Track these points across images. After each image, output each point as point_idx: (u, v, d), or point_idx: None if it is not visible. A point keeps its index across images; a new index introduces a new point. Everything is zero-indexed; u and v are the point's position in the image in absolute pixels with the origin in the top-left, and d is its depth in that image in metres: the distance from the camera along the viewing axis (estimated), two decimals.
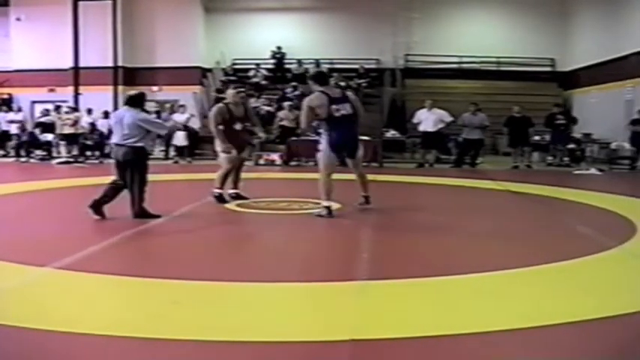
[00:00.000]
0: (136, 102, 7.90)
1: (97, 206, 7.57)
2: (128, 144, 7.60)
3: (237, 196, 9.43)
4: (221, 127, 9.15)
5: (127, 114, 7.70)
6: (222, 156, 9.21)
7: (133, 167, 7.65)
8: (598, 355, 3.55)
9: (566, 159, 18.13)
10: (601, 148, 19.11)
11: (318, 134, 8.34)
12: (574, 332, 3.82)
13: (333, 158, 8.21)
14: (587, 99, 21.91)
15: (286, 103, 20.16)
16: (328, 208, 8.06)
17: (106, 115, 20.08)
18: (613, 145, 18.19)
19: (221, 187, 9.23)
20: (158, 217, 7.74)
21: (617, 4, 20.04)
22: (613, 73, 19.81)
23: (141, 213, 7.68)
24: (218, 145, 9.23)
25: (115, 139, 7.83)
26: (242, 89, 9.96)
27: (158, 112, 20.19)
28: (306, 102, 8.13)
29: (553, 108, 18.73)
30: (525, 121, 17.54)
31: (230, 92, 9.64)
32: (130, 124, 7.58)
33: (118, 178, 7.74)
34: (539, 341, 3.66)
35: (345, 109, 8.11)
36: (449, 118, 17.30)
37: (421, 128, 17.32)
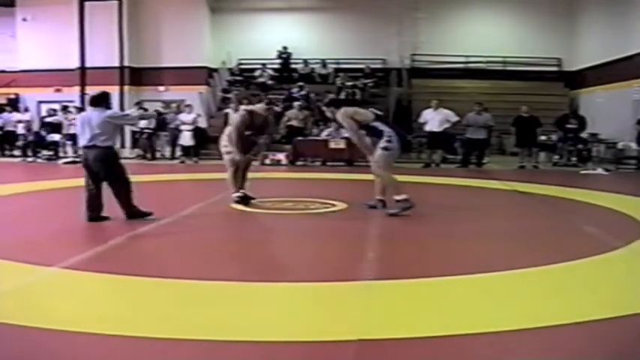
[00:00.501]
0: (100, 101, 7.71)
1: (94, 217, 7.50)
2: (97, 144, 7.42)
3: (244, 197, 9.41)
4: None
5: (93, 114, 7.56)
6: (226, 157, 9.20)
7: (108, 169, 7.51)
8: (605, 355, 3.54)
9: (573, 159, 18.08)
10: (608, 148, 19.04)
11: (380, 136, 8.35)
12: (581, 332, 3.80)
13: (396, 156, 8.59)
14: (593, 99, 21.84)
15: (296, 103, 20.12)
16: (407, 199, 8.18)
17: None
18: (620, 145, 18.13)
19: (237, 189, 9.15)
20: (150, 214, 7.68)
21: (623, 4, 19.97)
22: (620, 72, 19.74)
23: (133, 214, 7.63)
24: (223, 147, 9.21)
25: (82, 141, 7.60)
26: (272, 105, 10.02)
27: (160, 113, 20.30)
28: (342, 116, 8.38)
29: (570, 115, 18.62)
30: (533, 121, 17.49)
31: (260, 106, 9.65)
32: (100, 123, 7.44)
33: (89, 183, 7.58)
34: (547, 341, 3.65)
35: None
36: (455, 118, 17.31)
37: (427, 128, 17.33)
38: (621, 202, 9.57)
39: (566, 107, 21.24)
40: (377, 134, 8.36)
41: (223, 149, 9.26)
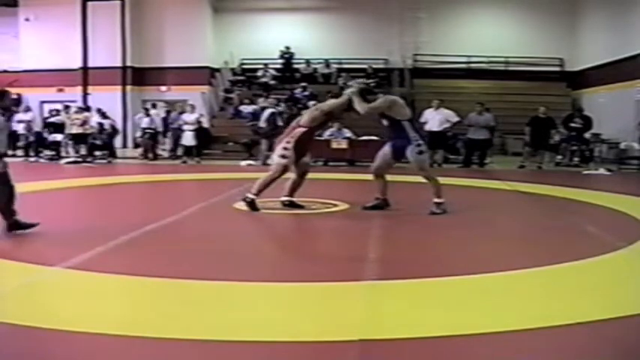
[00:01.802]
0: None
1: (13, 225, 6.76)
2: None
3: (291, 204, 8.85)
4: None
5: None
6: (277, 160, 8.61)
7: None
8: (609, 355, 3.54)
9: (576, 159, 18.05)
10: (610, 148, 19.02)
11: (408, 140, 8.34)
12: (585, 332, 3.80)
13: None
14: (596, 99, 21.83)
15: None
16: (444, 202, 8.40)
17: (104, 115, 20.32)
18: (622, 145, 18.11)
19: (258, 195, 8.61)
20: (35, 225, 6.84)
21: (626, 4, 19.96)
22: (622, 73, 19.73)
23: (14, 226, 6.75)
24: (283, 150, 8.57)
25: None
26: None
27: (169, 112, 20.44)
28: (385, 101, 8.37)
29: (575, 113, 18.63)
30: (549, 123, 17.44)
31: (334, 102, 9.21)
32: None
33: None
34: (550, 341, 3.65)
35: None
36: (455, 118, 17.33)
37: (427, 128, 17.34)
38: (624, 203, 9.56)
39: (568, 107, 21.22)
40: (401, 134, 8.33)
41: (281, 151, 8.61)
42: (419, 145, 8.30)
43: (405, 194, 8.86)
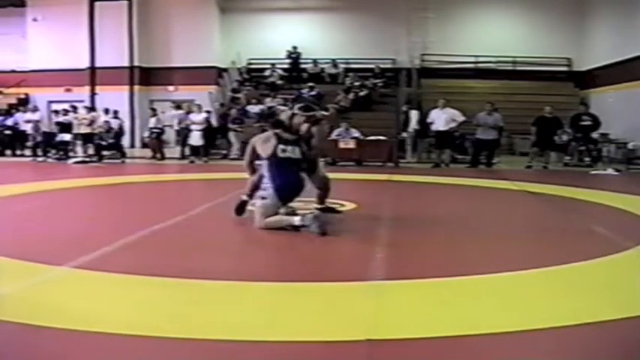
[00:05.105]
0: None
1: None
2: None
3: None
4: None
5: None
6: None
7: None
8: (617, 355, 3.52)
9: (587, 159, 17.98)
10: (618, 148, 18.98)
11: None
12: (593, 333, 3.78)
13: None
14: (604, 99, 21.77)
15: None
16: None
17: (115, 114, 20.38)
18: (630, 145, 18.08)
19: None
20: None
21: (634, 4, 19.90)
22: (630, 72, 19.68)
23: None
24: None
25: None
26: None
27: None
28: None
29: (579, 107, 18.58)
30: (555, 122, 17.41)
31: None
32: None
33: None
34: (558, 342, 3.63)
35: None
36: (461, 118, 17.32)
37: (433, 128, 17.35)
38: (632, 203, 9.52)
39: (576, 107, 21.17)
40: None
41: None
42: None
43: (413, 194, 8.84)
